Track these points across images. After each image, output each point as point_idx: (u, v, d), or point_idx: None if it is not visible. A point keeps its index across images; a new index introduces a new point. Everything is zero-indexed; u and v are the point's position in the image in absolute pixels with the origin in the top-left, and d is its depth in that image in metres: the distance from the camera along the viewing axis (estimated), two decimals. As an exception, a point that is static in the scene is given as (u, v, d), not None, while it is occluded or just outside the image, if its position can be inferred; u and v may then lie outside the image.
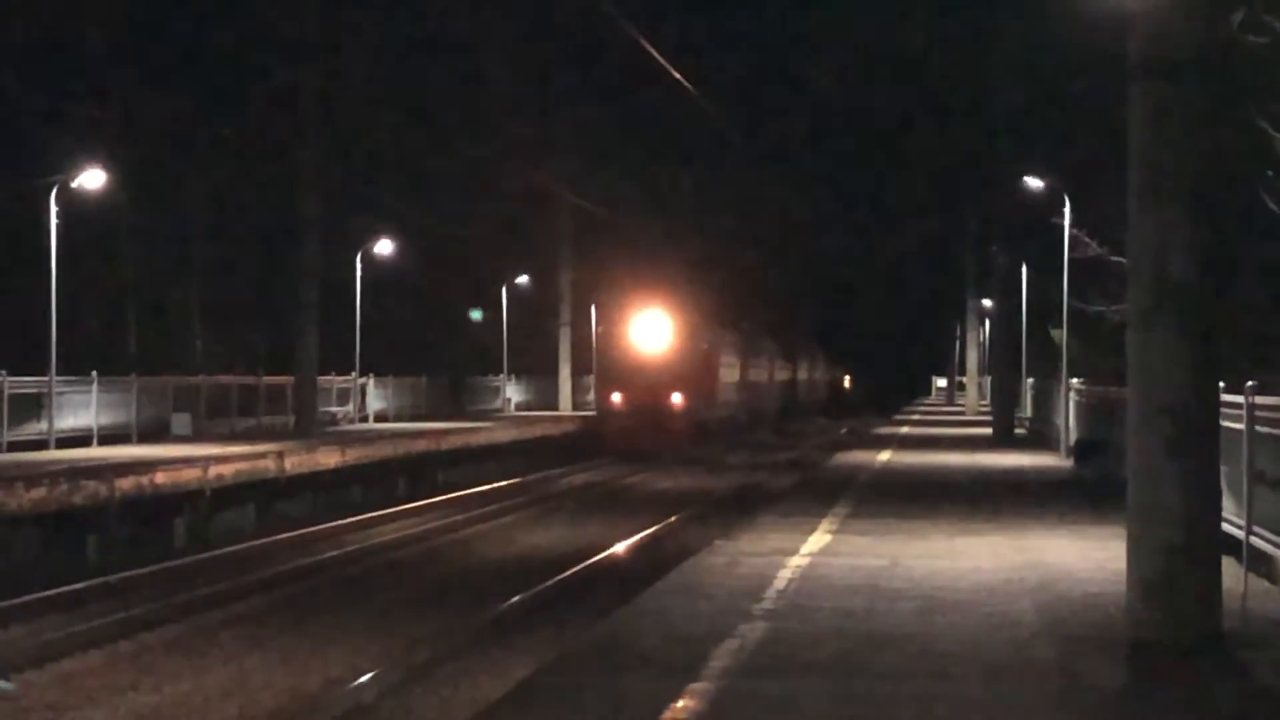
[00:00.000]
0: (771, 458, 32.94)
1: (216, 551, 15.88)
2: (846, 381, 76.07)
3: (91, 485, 15.89)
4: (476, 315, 44.50)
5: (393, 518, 19.60)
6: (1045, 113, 24.66)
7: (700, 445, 32.79)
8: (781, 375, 49.61)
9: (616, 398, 32.90)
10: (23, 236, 25.50)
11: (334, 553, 15.93)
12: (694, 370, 33.20)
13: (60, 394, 21.61)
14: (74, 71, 30.84)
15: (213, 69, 30.73)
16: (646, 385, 31.96)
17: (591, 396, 39.28)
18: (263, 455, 20.50)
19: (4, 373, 20.25)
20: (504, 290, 41.02)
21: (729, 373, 37.56)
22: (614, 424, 32.82)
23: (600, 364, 35.93)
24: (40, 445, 20.67)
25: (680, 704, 5.02)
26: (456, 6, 35.17)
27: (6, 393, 20.16)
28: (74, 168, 21.87)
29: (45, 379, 21.12)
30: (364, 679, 8.87)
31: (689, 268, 40.41)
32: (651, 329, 33.62)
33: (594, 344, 37.73)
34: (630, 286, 36.23)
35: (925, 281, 64.21)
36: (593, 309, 39.63)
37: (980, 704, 5.20)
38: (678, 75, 24.22)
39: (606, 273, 40.39)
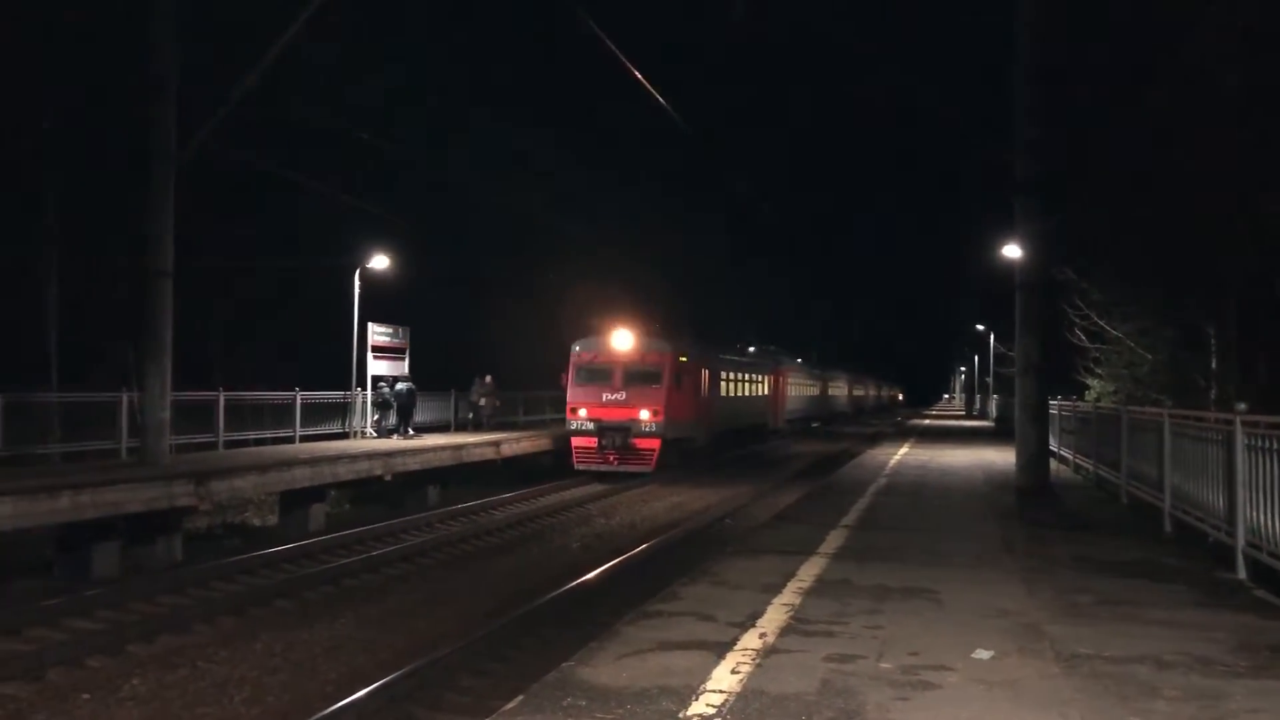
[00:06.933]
0: (875, 428, 59.87)
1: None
2: (900, 395, 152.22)
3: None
4: None
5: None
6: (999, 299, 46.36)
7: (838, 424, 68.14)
8: (878, 393, 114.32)
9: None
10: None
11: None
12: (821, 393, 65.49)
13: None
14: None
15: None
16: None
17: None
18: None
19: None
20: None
21: (841, 391, 76.47)
22: None
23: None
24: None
25: (860, 503, 15.40)
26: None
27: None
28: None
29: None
30: (745, 498, 22.15)
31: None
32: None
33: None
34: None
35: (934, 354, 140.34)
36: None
37: (960, 504, 15.74)
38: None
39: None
